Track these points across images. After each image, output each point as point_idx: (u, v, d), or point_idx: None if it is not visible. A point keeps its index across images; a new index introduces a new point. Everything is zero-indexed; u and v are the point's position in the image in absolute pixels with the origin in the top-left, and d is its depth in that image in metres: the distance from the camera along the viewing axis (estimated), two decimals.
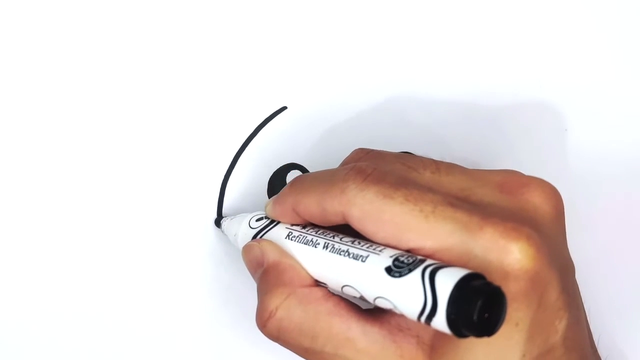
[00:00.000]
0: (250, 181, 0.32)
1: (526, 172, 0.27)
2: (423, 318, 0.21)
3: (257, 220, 0.29)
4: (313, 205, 0.26)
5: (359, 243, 0.24)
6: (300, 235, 0.27)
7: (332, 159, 0.32)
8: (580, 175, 0.33)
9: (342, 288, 0.24)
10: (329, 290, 0.26)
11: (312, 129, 0.32)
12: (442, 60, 0.31)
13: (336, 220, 0.25)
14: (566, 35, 0.32)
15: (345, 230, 0.25)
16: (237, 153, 0.32)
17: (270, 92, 0.31)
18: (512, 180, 0.25)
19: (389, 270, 0.22)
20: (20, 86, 0.31)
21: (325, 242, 0.25)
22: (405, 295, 0.22)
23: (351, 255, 0.24)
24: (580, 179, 0.33)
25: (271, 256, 0.27)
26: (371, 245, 0.24)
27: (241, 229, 0.30)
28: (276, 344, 0.26)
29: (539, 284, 0.22)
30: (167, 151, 0.31)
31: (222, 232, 0.32)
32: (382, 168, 0.25)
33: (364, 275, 0.23)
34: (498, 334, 0.21)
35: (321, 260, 0.25)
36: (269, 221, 0.29)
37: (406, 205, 0.24)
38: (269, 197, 0.32)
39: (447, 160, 0.26)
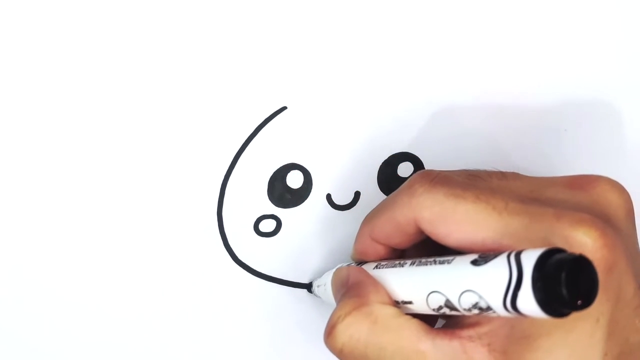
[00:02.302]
0: (250, 181, 0.32)
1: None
2: (509, 298, 0.20)
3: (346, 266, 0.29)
4: (386, 223, 0.26)
5: (445, 256, 0.24)
6: (388, 263, 0.27)
7: (332, 159, 0.32)
8: None
9: (427, 298, 0.24)
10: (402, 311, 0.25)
11: (312, 129, 0.32)
12: (442, 60, 0.31)
13: (410, 229, 0.25)
14: (566, 35, 0.32)
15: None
16: (237, 153, 0.32)
17: (270, 92, 0.31)
18: (581, 178, 0.25)
19: (474, 262, 0.22)
20: (20, 87, 0.31)
21: (412, 261, 0.25)
22: (490, 277, 0.21)
23: (437, 262, 0.24)
24: None
25: (355, 276, 0.27)
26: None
27: (330, 278, 0.30)
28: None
29: (616, 277, 0.22)
30: (167, 151, 0.31)
31: (315, 294, 0.32)
32: (447, 173, 0.25)
33: (450, 273, 0.23)
34: (579, 332, 0.21)
35: (407, 275, 0.25)
36: (355, 264, 0.29)
37: (478, 203, 0.23)
38: (269, 197, 0.32)
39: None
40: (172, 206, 0.32)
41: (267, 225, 0.32)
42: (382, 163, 0.32)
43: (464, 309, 0.22)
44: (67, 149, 0.31)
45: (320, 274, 0.33)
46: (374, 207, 0.32)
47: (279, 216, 0.32)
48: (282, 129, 0.32)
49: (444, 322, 0.27)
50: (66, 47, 0.30)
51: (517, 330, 0.23)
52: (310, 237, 0.33)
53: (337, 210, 0.32)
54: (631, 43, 0.32)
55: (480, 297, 0.21)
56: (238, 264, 0.32)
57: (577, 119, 0.33)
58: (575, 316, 0.20)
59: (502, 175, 0.26)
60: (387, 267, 0.27)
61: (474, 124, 0.32)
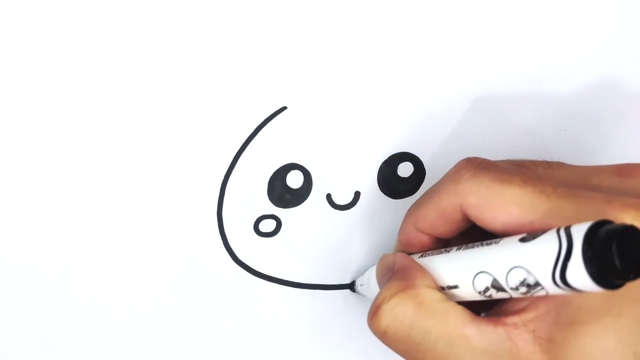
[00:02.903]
0: (250, 181, 0.32)
1: None
2: (558, 271, 0.20)
3: None
4: (430, 211, 0.26)
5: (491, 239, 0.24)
6: (433, 251, 0.27)
7: (332, 159, 0.32)
8: None
9: (474, 280, 0.24)
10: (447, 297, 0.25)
11: (312, 129, 0.32)
12: (442, 61, 0.31)
13: (455, 217, 0.25)
14: (567, 35, 0.32)
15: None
16: (237, 153, 0.32)
17: (270, 92, 0.31)
18: (627, 166, 0.25)
19: (523, 239, 0.22)
20: (20, 87, 0.31)
21: (457, 247, 0.25)
22: (539, 251, 0.21)
23: (484, 244, 0.24)
24: None
25: (401, 262, 0.27)
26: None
27: (373, 271, 0.30)
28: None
29: None
30: (167, 151, 0.31)
31: (359, 293, 0.32)
32: (492, 160, 0.25)
33: (498, 252, 0.23)
34: (627, 317, 0.21)
35: (453, 259, 0.25)
36: None
37: (525, 187, 0.23)
38: (269, 197, 0.32)
39: None
40: (172, 206, 0.32)
41: (267, 225, 0.32)
42: (382, 163, 0.32)
43: (511, 288, 0.22)
44: (68, 149, 0.31)
45: (321, 273, 0.33)
46: (374, 207, 0.32)
47: (279, 216, 0.32)
48: (282, 129, 0.32)
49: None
50: (66, 47, 0.30)
51: (563, 317, 0.23)
52: (310, 237, 0.33)
53: (337, 210, 0.32)
54: (632, 42, 0.32)
55: (529, 272, 0.21)
56: (238, 264, 0.32)
57: (577, 118, 0.33)
58: (623, 301, 0.20)
59: (547, 164, 0.26)
60: (433, 255, 0.26)
61: (474, 124, 0.32)
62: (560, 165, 0.26)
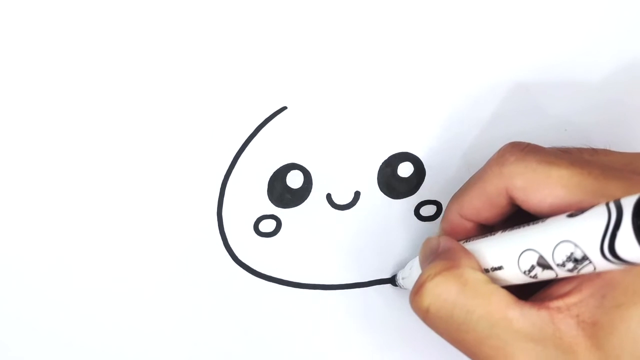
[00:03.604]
0: (250, 181, 0.32)
1: None
2: (606, 242, 0.20)
3: None
4: (475, 197, 0.26)
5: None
6: (477, 236, 0.27)
7: (332, 159, 0.32)
8: None
9: (519, 259, 0.24)
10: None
11: (312, 129, 0.32)
12: (442, 61, 0.31)
13: (500, 201, 0.25)
14: (567, 35, 0.32)
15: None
16: (237, 153, 0.32)
17: (270, 92, 0.31)
18: None
19: (570, 215, 0.22)
20: (21, 87, 0.31)
21: (502, 230, 0.25)
22: (587, 224, 0.21)
23: (530, 224, 0.24)
24: None
25: (445, 244, 0.27)
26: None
27: (416, 261, 0.30)
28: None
29: None
30: (167, 151, 0.31)
31: (401, 287, 0.32)
32: (537, 145, 0.25)
33: (544, 228, 0.23)
34: None
35: (498, 240, 0.25)
36: None
37: (573, 169, 0.23)
38: (269, 197, 0.32)
39: None
40: (172, 206, 0.32)
41: (267, 225, 0.32)
42: (382, 163, 0.32)
43: (557, 265, 0.22)
44: (68, 149, 0.31)
45: (321, 273, 0.33)
46: (374, 207, 0.32)
47: (279, 216, 0.32)
48: (282, 129, 0.32)
49: None
50: (66, 47, 0.30)
51: (608, 300, 0.23)
52: (310, 237, 0.33)
53: (337, 210, 0.32)
54: (632, 42, 0.32)
55: (576, 245, 0.21)
56: (238, 264, 0.32)
57: (579, 118, 0.33)
58: None
59: (593, 150, 0.26)
60: (477, 239, 0.26)
61: (475, 124, 0.32)
62: (606, 151, 0.26)
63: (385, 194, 0.32)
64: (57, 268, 0.32)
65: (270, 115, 0.31)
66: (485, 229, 0.28)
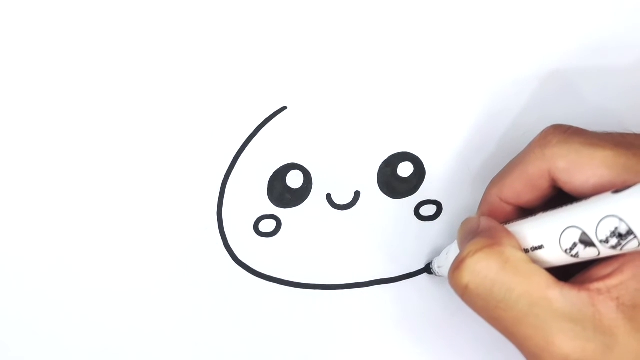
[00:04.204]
0: (250, 181, 0.32)
1: None
2: None
3: None
4: (516, 179, 0.26)
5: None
6: (517, 219, 0.27)
7: (332, 159, 0.32)
8: None
9: (560, 236, 0.24)
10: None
11: (312, 129, 0.32)
12: (442, 61, 0.31)
13: (542, 184, 0.25)
14: (568, 34, 0.32)
15: None
16: (237, 153, 0.32)
17: (270, 92, 0.31)
18: None
19: (615, 191, 0.22)
20: (21, 87, 0.31)
21: (544, 211, 0.25)
22: (633, 198, 0.21)
23: (573, 203, 0.24)
24: None
25: (486, 223, 0.27)
26: None
27: (452, 246, 0.30)
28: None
29: None
30: (167, 151, 0.31)
31: (437, 274, 0.32)
32: (580, 128, 0.25)
33: (588, 205, 0.23)
34: None
35: (539, 220, 0.25)
36: None
37: (617, 150, 0.23)
38: (269, 197, 0.32)
39: None
40: (172, 206, 0.32)
41: (267, 225, 0.32)
42: (382, 163, 0.32)
43: (601, 241, 0.22)
44: (68, 150, 0.31)
45: (321, 273, 0.33)
46: (374, 207, 0.32)
47: (279, 216, 0.32)
48: (282, 129, 0.32)
49: None
50: (66, 47, 0.30)
51: None
52: (310, 237, 0.32)
53: (337, 210, 0.32)
54: (631, 42, 0.32)
55: (621, 220, 0.21)
56: (238, 264, 0.32)
57: (582, 119, 0.33)
58: None
59: (636, 136, 0.26)
60: (516, 221, 0.26)
61: (475, 124, 0.32)
62: None
63: (385, 194, 0.32)
64: (57, 268, 0.32)
65: (270, 115, 0.31)
66: (524, 213, 0.27)
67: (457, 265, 0.25)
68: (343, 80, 0.31)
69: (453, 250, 0.29)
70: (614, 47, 0.31)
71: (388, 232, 0.33)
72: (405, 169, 0.32)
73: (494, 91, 0.32)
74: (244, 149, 0.32)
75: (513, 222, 0.27)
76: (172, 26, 0.31)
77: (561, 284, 0.24)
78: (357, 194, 0.32)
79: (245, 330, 0.33)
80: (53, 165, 0.31)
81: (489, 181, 0.32)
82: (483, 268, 0.24)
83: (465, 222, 0.28)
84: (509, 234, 0.26)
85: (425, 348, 0.33)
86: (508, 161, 0.31)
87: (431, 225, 0.33)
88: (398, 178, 0.32)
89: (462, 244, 0.27)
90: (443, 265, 0.31)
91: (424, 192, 0.32)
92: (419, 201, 0.32)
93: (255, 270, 0.32)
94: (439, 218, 0.33)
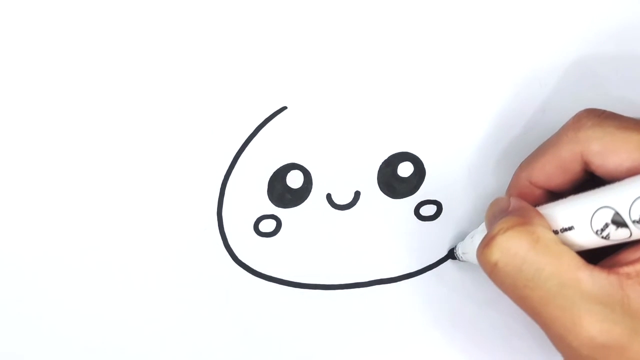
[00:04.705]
0: (250, 181, 0.32)
1: None
2: None
3: None
4: (548, 162, 0.26)
5: None
6: (545, 203, 0.26)
7: (332, 159, 0.32)
8: None
9: (592, 217, 0.23)
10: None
11: (312, 129, 0.32)
12: (442, 60, 0.31)
13: (574, 167, 0.25)
14: (568, 34, 0.32)
15: None
16: (237, 153, 0.32)
17: (270, 92, 0.31)
18: None
19: None
20: (21, 87, 0.31)
21: (573, 194, 0.25)
22: None
23: (605, 185, 0.24)
24: None
25: (516, 203, 0.27)
26: None
27: (478, 230, 0.29)
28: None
29: None
30: (167, 151, 0.31)
31: (459, 259, 0.32)
32: (613, 112, 0.25)
33: (622, 186, 0.23)
34: None
35: (570, 201, 0.25)
36: None
37: None
38: (269, 197, 0.32)
39: None
40: (172, 206, 0.32)
41: (267, 225, 0.32)
42: (382, 163, 0.32)
43: (634, 221, 0.22)
44: (68, 150, 0.31)
45: (321, 273, 0.33)
46: (374, 207, 0.32)
47: (279, 216, 0.32)
48: (282, 129, 0.32)
49: None
50: (67, 47, 0.30)
51: None
52: (310, 237, 0.32)
53: (337, 210, 0.32)
54: (631, 41, 0.32)
55: None
56: (238, 264, 0.32)
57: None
58: None
59: None
60: (546, 204, 0.26)
61: (475, 124, 0.32)
62: None
63: (385, 194, 0.32)
64: (57, 267, 0.32)
65: (270, 115, 0.31)
66: (553, 197, 0.27)
67: (487, 242, 0.25)
68: (343, 80, 0.31)
69: (479, 234, 0.29)
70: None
71: (388, 232, 0.33)
72: (405, 169, 0.32)
73: (494, 91, 0.32)
74: (244, 149, 0.32)
75: (542, 205, 0.27)
76: (172, 26, 0.31)
77: (591, 266, 0.24)
78: (357, 194, 0.32)
79: (245, 330, 0.33)
80: (53, 165, 0.31)
81: (489, 181, 0.32)
82: (513, 246, 0.24)
83: (495, 202, 0.28)
84: (540, 214, 0.25)
85: (425, 348, 0.33)
86: (509, 161, 0.31)
87: (431, 225, 0.33)
88: (398, 178, 0.32)
89: (491, 223, 0.27)
90: (468, 250, 0.30)
91: (424, 192, 0.32)
92: (419, 201, 0.32)
93: (255, 270, 0.32)
94: (439, 218, 0.33)
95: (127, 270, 0.32)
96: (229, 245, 0.32)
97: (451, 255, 0.32)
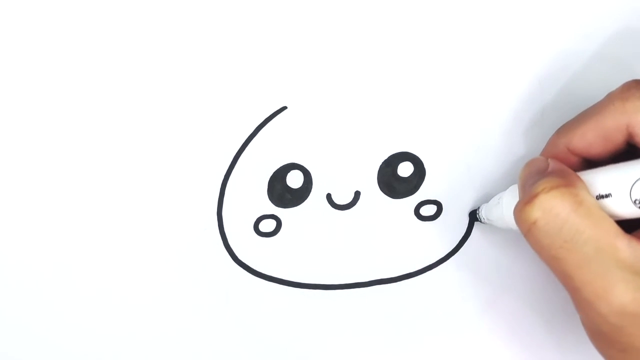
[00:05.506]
0: (250, 181, 0.32)
1: None
2: None
3: None
4: (590, 130, 0.26)
5: None
6: (581, 170, 0.26)
7: (332, 159, 0.32)
8: None
9: (632, 187, 0.23)
10: None
11: (312, 129, 0.32)
12: (442, 60, 0.31)
13: (617, 137, 0.25)
14: (568, 34, 0.32)
15: None
16: (237, 153, 0.32)
17: (270, 92, 0.31)
18: None
19: None
20: (21, 87, 0.31)
21: (612, 164, 0.25)
22: None
23: None
24: None
25: (556, 164, 0.26)
26: None
27: (505, 194, 0.29)
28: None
29: None
30: (167, 151, 0.31)
31: (481, 221, 0.31)
32: None
33: None
34: None
35: (609, 169, 0.25)
36: None
37: None
38: (269, 197, 0.32)
39: None
40: (172, 206, 0.32)
41: (267, 225, 0.32)
42: (382, 163, 0.32)
43: None
44: (68, 150, 0.31)
45: (321, 273, 0.33)
46: (374, 207, 0.32)
47: (279, 216, 0.32)
48: (282, 129, 0.32)
49: None
50: (67, 47, 0.30)
51: None
52: (310, 237, 0.32)
53: (337, 210, 0.32)
54: (631, 41, 0.32)
55: None
56: (238, 264, 0.32)
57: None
58: None
59: None
60: (585, 170, 0.26)
61: (475, 124, 0.32)
62: None
63: (385, 194, 0.32)
64: (57, 268, 0.32)
65: (270, 115, 0.31)
66: (588, 166, 0.27)
67: (529, 199, 0.24)
68: (343, 80, 0.31)
69: (507, 197, 0.28)
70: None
71: (388, 232, 0.33)
72: (405, 169, 0.32)
73: (494, 91, 0.32)
74: (244, 149, 0.32)
75: (578, 172, 0.26)
76: (172, 26, 0.31)
77: (629, 235, 0.24)
78: (357, 194, 0.32)
79: (245, 330, 0.33)
80: (53, 165, 0.31)
81: (489, 181, 0.32)
82: (556, 205, 0.24)
83: (531, 162, 0.27)
84: (580, 178, 0.25)
85: (425, 348, 0.33)
86: (509, 160, 0.31)
87: (431, 225, 0.33)
88: (398, 178, 0.32)
89: (527, 183, 0.26)
90: (493, 212, 0.30)
91: (424, 192, 0.32)
92: (419, 201, 0.32)
93: (255, 270, 0.32)
94: (439, 218, 0.33)
95: (127, 270, 0.32)
96: (229, 245, 0.32)
97: (473, 216, 0.32)
